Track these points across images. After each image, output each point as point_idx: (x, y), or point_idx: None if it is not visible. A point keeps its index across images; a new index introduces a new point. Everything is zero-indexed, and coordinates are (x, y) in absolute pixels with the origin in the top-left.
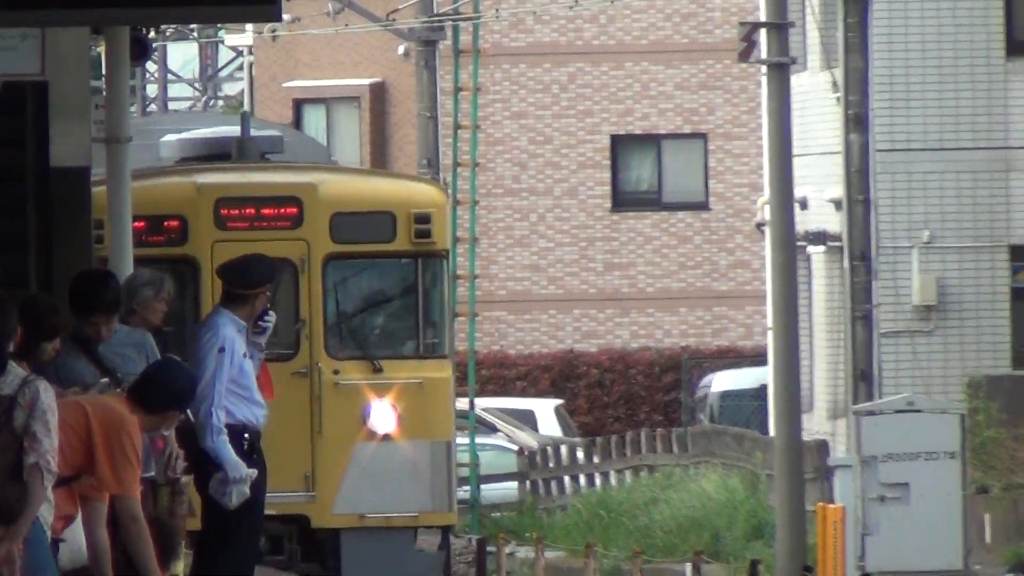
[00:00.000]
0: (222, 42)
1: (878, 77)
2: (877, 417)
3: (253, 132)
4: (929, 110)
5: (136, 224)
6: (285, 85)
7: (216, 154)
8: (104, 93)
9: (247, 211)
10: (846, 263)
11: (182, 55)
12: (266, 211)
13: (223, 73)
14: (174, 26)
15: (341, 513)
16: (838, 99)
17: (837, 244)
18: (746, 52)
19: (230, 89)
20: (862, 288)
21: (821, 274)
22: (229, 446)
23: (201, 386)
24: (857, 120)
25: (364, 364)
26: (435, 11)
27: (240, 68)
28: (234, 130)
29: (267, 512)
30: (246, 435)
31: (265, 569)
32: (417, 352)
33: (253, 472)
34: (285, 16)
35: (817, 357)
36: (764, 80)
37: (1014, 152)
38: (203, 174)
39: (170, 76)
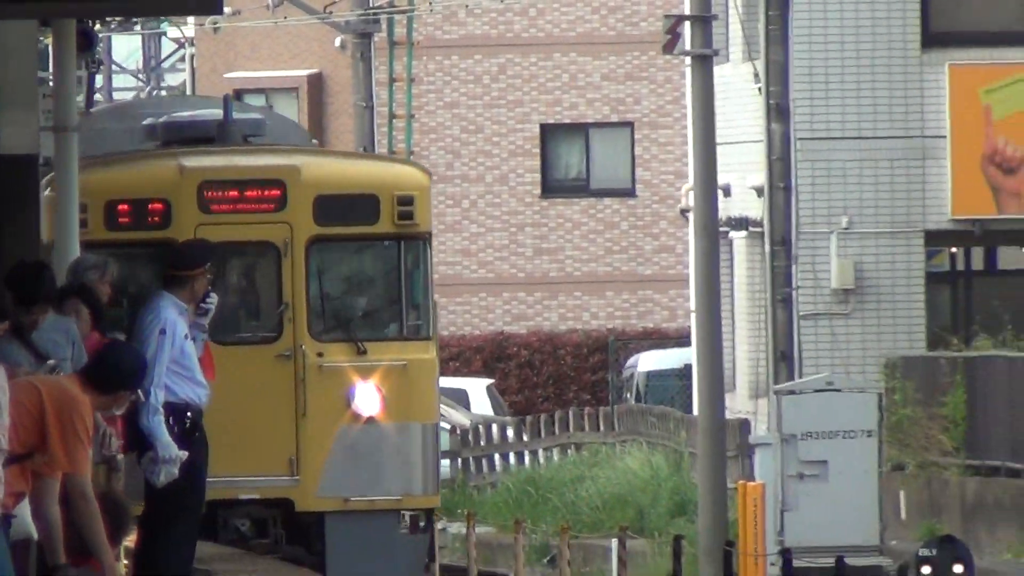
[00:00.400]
0: (164, 34)
1: (798, 68)
2: (797, 397)
3: (235, 115)
4: (848, 100)
5: (120, 207)
6: (226, 76)
7: (199, 137)
8: (51, 83)
9: (231, 194)
10: (767, 248)
11: (126, 47)
12: (250, 194)
13: (165, 64)
14: (118, 18)
15: (325, 496)
16: (760, 89)
17: (758, 230)
18: (671, 44)
19: (172, 80)
20: (782, 272)
21: (743, 258)
22: (164, 427)
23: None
24: (778, 110)
25: (348, 346)
26: (371, 4)
27: (182, 59)
28: (216, 113)
29: (251, 496)
30: (188, 413)
31: (248, 552)
32: (401, 334)
33: (184, 454)
34: (226, 9)
35: (739, 338)
36: (688, 71)
37: (930, 140)
38: (186, 157)
39: (114, 67)
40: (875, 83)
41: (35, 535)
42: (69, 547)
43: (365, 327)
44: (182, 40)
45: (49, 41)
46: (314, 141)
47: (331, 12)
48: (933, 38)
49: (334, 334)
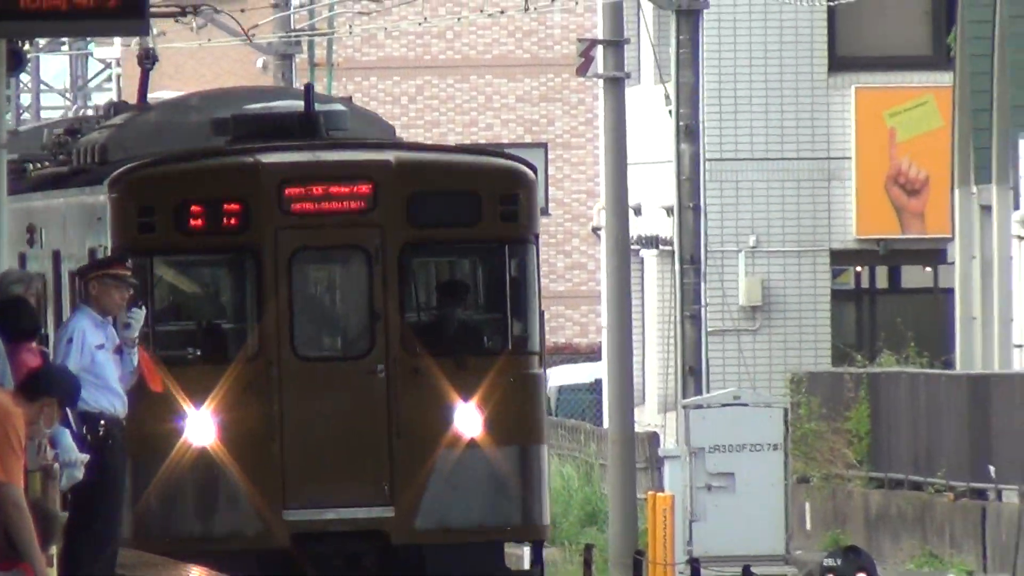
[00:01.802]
0: (91, 55)
1: (708, 91)
2: (705, 411)
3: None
4: (756, 122)
5: (192, 208)
6: (151, 96)
7: (276, 131)
8: None
9: (315, 193)
10: (677, 266)
11: (53, 67)
12: (336, 192)
13: (92, 84)
14: (47, 39)
15: (424, 528)
16: (670, 111)
17: (669, 248)
18: (584, 67)
19: (99, 99)
20: (691, 289)
21: (653, 276)
22: (67, 431)
23: None
24: (688, 131)
25: (446, 361)
26: (292, 27)
27: (109, 79)
28: (294, 105)
29: (343, 528)
30: (102, 422)
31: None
32: (505, 347)
33: (85, 456)
34: (152, 30)
35: (649, 354)
36: (601, 93)
37: (835, 162)
38: (264, 153)
39: (42, 86)
40: (782, 106)
41: None
42: (0, 553)
43: (465, 340)
44: (108, 61)
45: None
46: (401, 137)
47: (254, 34)
48: (839, 62)
49: (431, 348)
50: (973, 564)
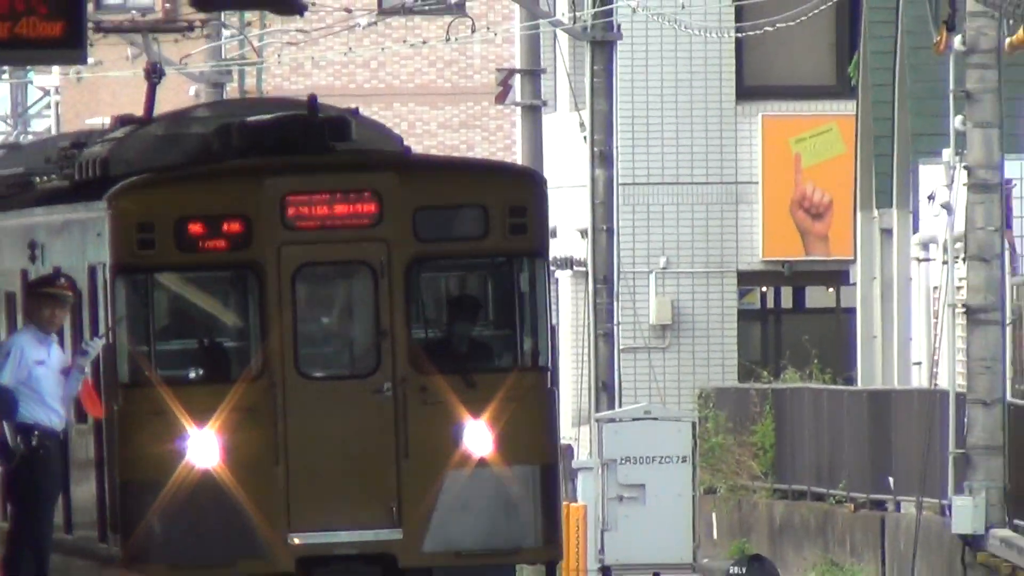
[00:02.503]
0: (31, 83)
1: (621, 118)
2: (617, 424)
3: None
4: (667, 148)
5: (193, 225)
6: (88, 121)
7: (279, 143)
8: None
9: (318, 208)
10: (590, 286)
11: None
12: (340, 208)
13: (32, 111)
14: None
15: (433, 550)
16: (585, 138)
17: (583, 269)
18: (502, 95)
19: (38, 125)
20: (604, 308)
21: (568, 295)
22: None
23: None
24: (602, 157)
25: (455, 379)
26: (223, 56)
27: (48, 106)
28: (298, 115)
29: (348, 552)
30: (36, 432)
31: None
32: (515, 364)
33: None
34: (89, 59)
35: (563, 370)
36: (519, 121)
37: (743, 187)
38: (266, 167)
39: None
40: (692, 132)
41: None
42: None
43: (474, 357)
44: (47, 88)
45: None
46: (407, 146)
47: (186, 63)
48: (747, 91)
49: (439, 365)
50: (873, 572)
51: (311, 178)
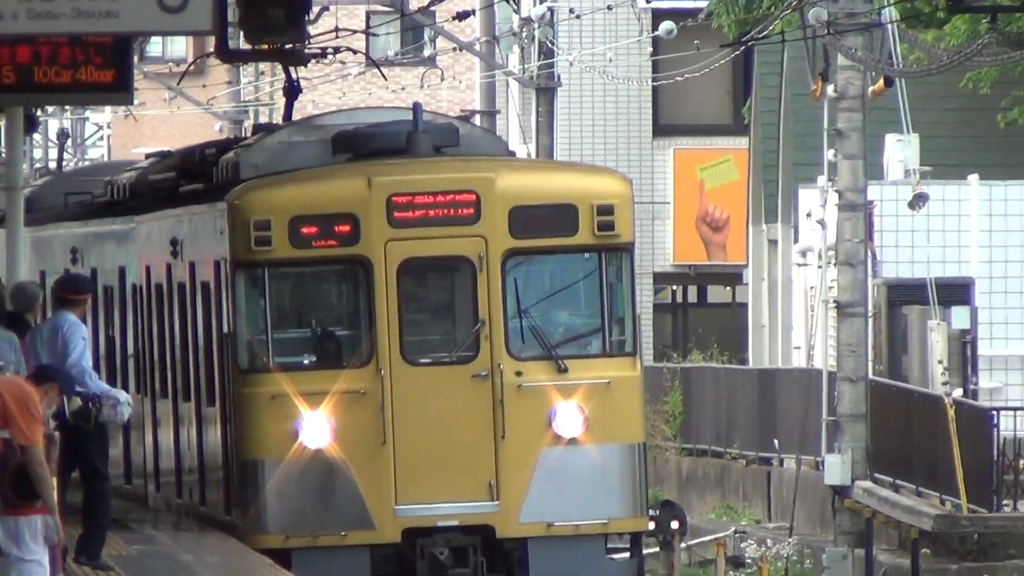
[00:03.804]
0: (87, 119)
1: (560, 150)
2: None
3: (426, 125)
4: None
5: (306, 224)
6: (133, 151)
7: (388, 148)
8: (3, 155)
9: (421, 207)
10: None
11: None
12: (441, 206)
13: (88, 141)
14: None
15: (528, 522)
16: None
17: None
18: None
19: (94, 153)
20: None
21: None
22: (104, 384)
23: (76, 358)
24: None
25: (548, 364)
26: (241, 99)
27: (101, 138)
28: (407, 124)
29: (450, 523)
30: (100, 400)
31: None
32: (604, 351)
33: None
34: (135, 100)
35: None
36: None
37: (658, 205)
38: (374, 169)
39: (50, 142)
40: (617, 161)
41: None
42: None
43: (566, 344)
44: (100, 124)
45: (2, 123)
46: (512, 152)
47: (212, 104)
48: (661, 129)
49: (533, 352)
50: (760, 514)
51: (414, 179)
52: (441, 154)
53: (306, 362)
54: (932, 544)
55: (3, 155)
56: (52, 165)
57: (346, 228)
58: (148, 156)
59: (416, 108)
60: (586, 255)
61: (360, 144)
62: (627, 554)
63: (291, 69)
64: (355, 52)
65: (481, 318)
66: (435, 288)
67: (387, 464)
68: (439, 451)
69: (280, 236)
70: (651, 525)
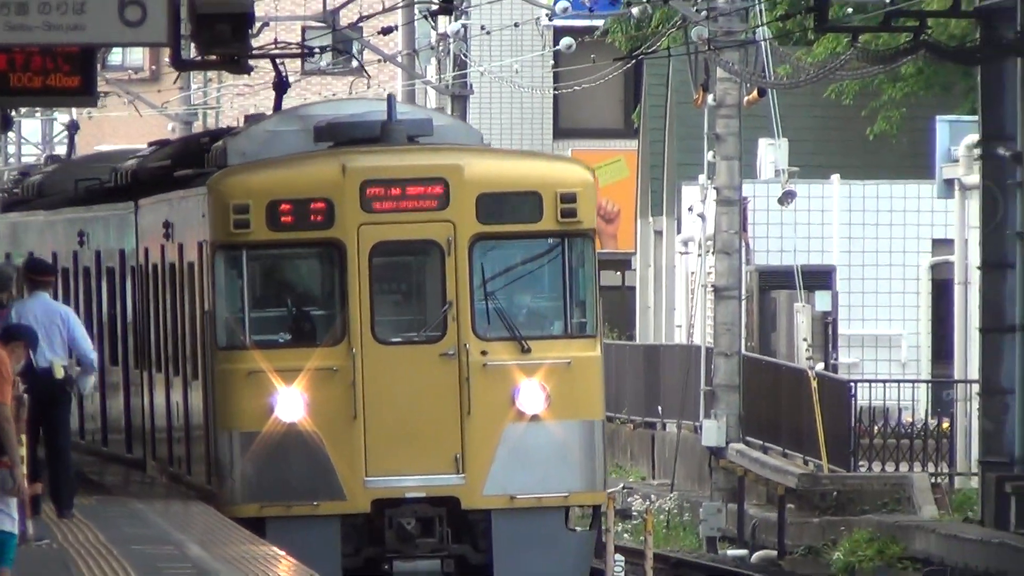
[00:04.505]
0: (55, 119)
1: None
2: None
3: (402, 116)
4: None
5: (282, 207)
6: (96, 148)
7: (365, 137)
8: None
9: (393, 193)
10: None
11: (28, 126)
12: (412, 192)
13: (56, 139)
14: (27, 107)
15: (492, 494)
16: None
17: None
18: None
19: (61, 150)
20: None
21: None
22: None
23: (87, 350)
24: None
25: (512, 345)
26: (191, 103)
27: (67, 136)
28: (381, 113)
29: (418, 495)
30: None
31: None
32: (566, 332)
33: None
34: (98, 102)
35: None
36: None
37: None
38: (348, 156)
39: (23, 140)
40: None
41: None
42: None
43: (529, 325)
44: (67, 122)
45: None
46: (486, 142)
47: (166, 107)
48: (561, 132)
49: (498, 333)
50: (645, 472)
51: (387, 166)
52: (415, 143)
53: (281, 340)
54: (796, 500)
55: None
56: (26, 159)
57: (321, 212)
58: (150, 144)
59: (390, 100)
60: (549, 240)
61: (339, 133)
62: (587, 527)
63: (281, 67)
64: (305, 53)
65: (449, 300)
66: (405, 270)
67: (358, 438)
68: (408, 426)
69: (258, 219)
70: None
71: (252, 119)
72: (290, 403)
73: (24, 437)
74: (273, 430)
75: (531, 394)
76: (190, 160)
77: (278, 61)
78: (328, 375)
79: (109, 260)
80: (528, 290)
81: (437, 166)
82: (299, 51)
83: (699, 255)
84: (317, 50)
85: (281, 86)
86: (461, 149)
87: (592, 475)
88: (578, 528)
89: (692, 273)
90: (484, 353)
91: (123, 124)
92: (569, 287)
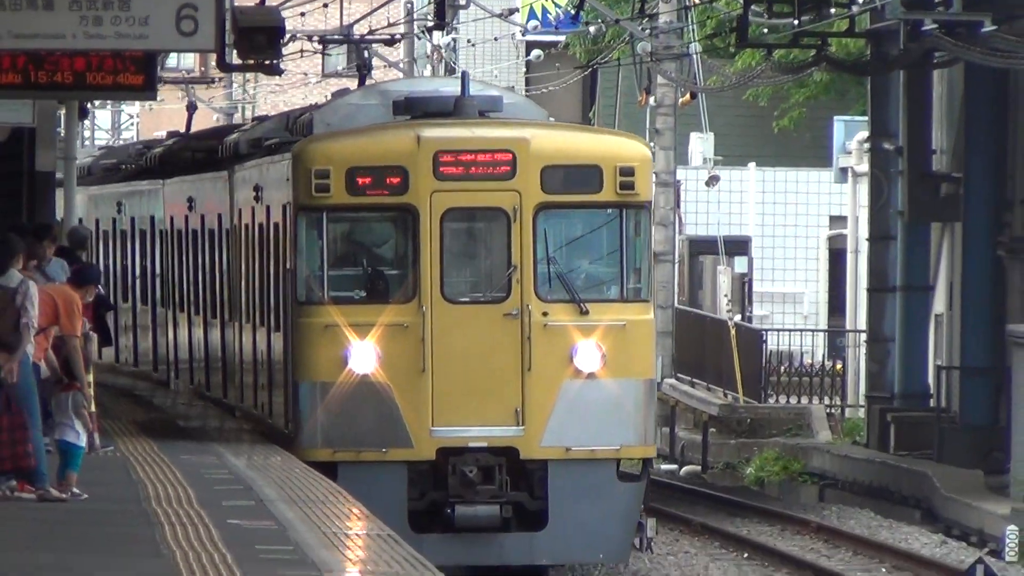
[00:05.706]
0: (123, 110)
1: None
2: None
3: (475, 93)
4: None
5: (361, 174)
6: (155, 134)
7: (440, 112)
8: (63, 133)
9: (464, 161)
10: None
11: (100, 116)
12: (481, 162)
13: (123, 126)
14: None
15: (548, 446)
16: None
17: None
18: None
19: (126, 135)
20: None
21: None
22: None
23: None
24: None
25: (571, 307)
26: (232, 99)
27: (132, 124)
28: (455, 89)
29: (479, 444)
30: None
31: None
32: (621, 296)
33: None
34: (158, 97)
35: None
36: None
37: None
38: (423, 128)
39: (96, 127)
40: None
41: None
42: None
43: (588, 289)
44: (132, 114)
45: (62, 110)
46: (551, 119)
47: (212, 101)
48: None
49: (559, 295)
50: None
51: (458, 137)
52: (485, 118)
53: (356, 297)
54: (717, 425)
55: (63, 134)
56: (99, 142)
57: (396, 179)
58: (169, 134)
59: (464, 77)
60: (608, 210)
61: (415, 107)
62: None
63: (365, 54)
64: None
65: (513, 263)
66: (473, 235)
67: (425, 390)
68: (472, 380)
69: (338, 184)
70: None
71: (337, 94)
72: (363, 356)
73: (92, 367)
74: (347, 381)
75: (588, 353)
76: (281, 134)
77: (361, 47)
78: (399, 331)
79: (211, 223)
80: (587, 256)
81: (505, 139)
82: (387, 38)
83: None
84: (394, 37)
85: (365, 67)
86: (528, 123)
87: (643, 430)
88: (627, 480)
89: None
90: (545, 314)
91: (176, 116)
92: (625, 254)
